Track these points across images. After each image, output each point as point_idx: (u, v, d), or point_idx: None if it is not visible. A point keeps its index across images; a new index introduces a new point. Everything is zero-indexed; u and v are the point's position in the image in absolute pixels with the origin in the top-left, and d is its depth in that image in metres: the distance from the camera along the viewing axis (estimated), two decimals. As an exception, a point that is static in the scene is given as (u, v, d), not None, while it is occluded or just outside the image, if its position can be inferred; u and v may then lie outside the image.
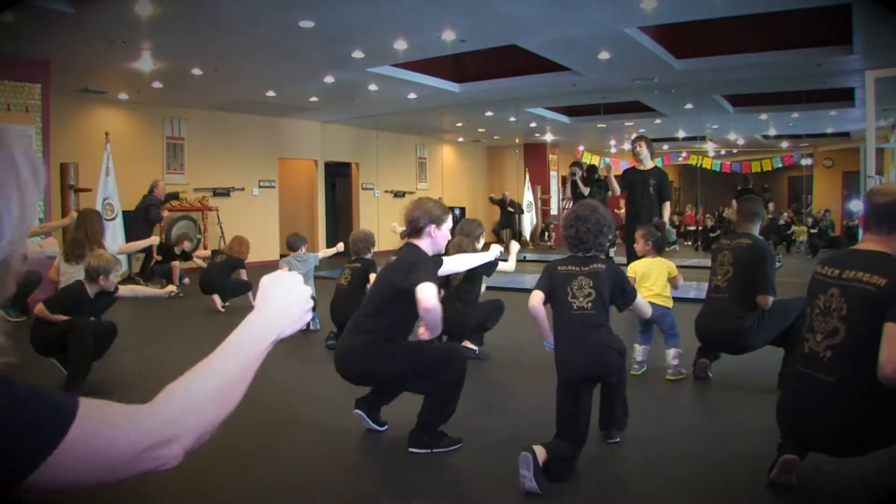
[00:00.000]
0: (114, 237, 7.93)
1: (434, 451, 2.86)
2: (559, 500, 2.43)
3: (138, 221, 8.17)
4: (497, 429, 3.18)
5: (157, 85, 8.51)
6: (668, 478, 2.61)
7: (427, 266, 2.82)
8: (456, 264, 3.57)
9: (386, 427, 3.11)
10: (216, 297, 6.65)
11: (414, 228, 2.95)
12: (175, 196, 9.12)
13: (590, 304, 2.65)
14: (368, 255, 5.13)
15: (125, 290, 4.34)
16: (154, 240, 4.95)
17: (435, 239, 2.97)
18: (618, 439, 2.97)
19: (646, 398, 3.64)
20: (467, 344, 4.59)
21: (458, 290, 4.54)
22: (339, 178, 14.23)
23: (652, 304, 4.01)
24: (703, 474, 2.67)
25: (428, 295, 2.64)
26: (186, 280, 8.11)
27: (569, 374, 2.63)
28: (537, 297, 2.75)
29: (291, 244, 6.03)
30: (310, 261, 5.97)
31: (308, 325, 5.59)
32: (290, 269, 5.71)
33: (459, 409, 2.92)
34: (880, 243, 2.27)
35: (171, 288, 4.94)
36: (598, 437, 2.96)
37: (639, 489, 2.57)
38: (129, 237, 8.02)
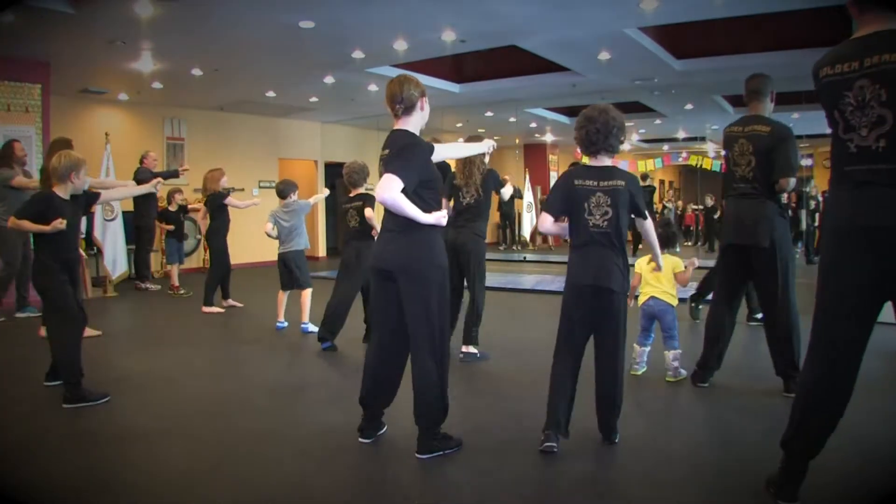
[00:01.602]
0: (114, 238, 7.92)
1: (445, 452, 2.85)
2: (558, 500, 2.43)
3: (137, 199, 8.09)
4: (497, 429, 3.17)
5: (157, 85, 8.52)
6: (666, 478, 2.61)
7: (411, 153, 2.74)
8: (448, 151, 3.24)
9: (385, 428, 3.11)
10: (212, 308, 6.68)
11: (408, 106, 2.83)
12: (175, 174, 8.86)
13: (606, 223, 2.71)
14: (364, 187, 4.97)
15: (112, 193, 4.49)
16: (156, 182, 4.74)
17: (424, 112, 2.90)
18: (616, 440, 2.96)
19: (645, 399, 3.64)
20: (469, 349, 4.59)
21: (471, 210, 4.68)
22: (339, 178, 14.20)
23: (656, 298, 4.03)
24: (701, 475, 2.67)
25: (383, 186, 2.64)
26: (183, 292, 8.06)
27: (572, 279, 2.80)
28: (547, 222, 2.87)
29: (281, 191, 5.79)
30: (299, 210, 5.76)
31: (308, 326, 5.62)
32: (274, 227, 5.63)
33: (459, 410, 2.92)
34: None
35: (158, 180, 4.96)
36: (597, 439, 2.97)
37: (637, 490, 2.56)
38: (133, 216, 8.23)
